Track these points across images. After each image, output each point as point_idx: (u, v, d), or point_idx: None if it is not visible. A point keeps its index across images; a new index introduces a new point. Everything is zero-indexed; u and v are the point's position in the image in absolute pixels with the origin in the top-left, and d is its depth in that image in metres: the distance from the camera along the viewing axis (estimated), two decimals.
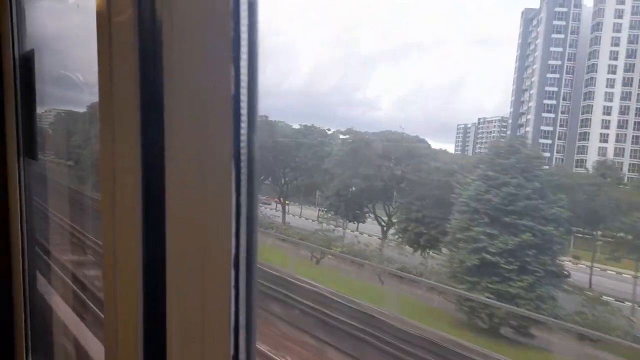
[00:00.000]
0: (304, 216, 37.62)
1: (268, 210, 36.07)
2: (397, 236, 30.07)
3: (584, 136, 36.43)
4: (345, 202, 33.01)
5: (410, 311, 17.00)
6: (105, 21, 0.89)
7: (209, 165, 0.72)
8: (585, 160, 34.30)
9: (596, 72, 36.57)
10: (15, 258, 1.91)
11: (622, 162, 32.54)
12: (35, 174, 2.07)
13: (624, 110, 35.33)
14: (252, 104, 0.71)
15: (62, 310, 2.44)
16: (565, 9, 39.17)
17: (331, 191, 33.65)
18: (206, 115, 0.72)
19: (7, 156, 1.86)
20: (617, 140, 34.83)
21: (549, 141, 38.79)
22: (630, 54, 35.05)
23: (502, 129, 51.96)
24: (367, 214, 33.61)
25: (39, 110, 1.94)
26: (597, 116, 36.21)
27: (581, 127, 37.28)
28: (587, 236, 24.83)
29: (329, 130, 37.83)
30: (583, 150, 36.06)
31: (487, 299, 18.73)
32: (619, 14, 35.80)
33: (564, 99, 39.15)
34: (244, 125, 0.70)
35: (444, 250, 26.05)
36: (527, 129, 40.28)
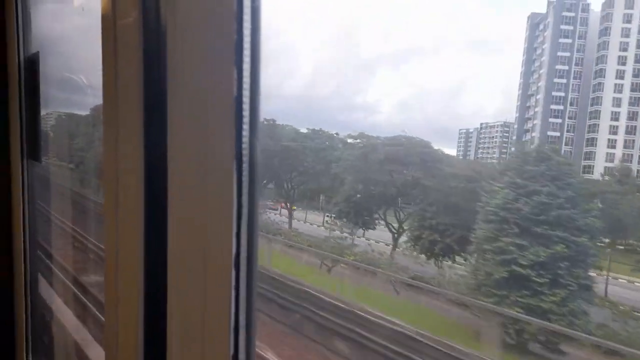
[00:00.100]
0: (309, 222, 37.18)
1: (275, 216, 35.38)
2: (410, 244, 29.17)
3: (592, 142, 36.29)
4: (354, 208, 32.27)
5: (431, 324, 16.57)
6: (110, 24, 0.91)
7: (211, 167, 0.74)
8: (593, 166, 34.17)
9: (604, 77, 36.47)
10: (17, 260, 1.92)
11: (630, 168, 32.38)
12: (37, 176, 2.09)
13: (632, 116, 35.17)
14: (254, 106, 0.72)
15: (63, 312, 2.46)
16: (572, 14, 39.14)
17: (340, 197, 32.91)
18: (208, 116, 0.74)
19: (11, 158, 1.89)
20: (625, 146, 34.66)
21: (555, 147, 38.68)
22: (639, 59, 34.93)
23: (505, 134, 51.93)
24: (376, 221, 32.77)
25: (42, 112, 1.97)
26: (604, 122, 36.08)
27: (588, 132, 37.16)
28: (618, 247, 24.00)
29: (336, 134, 37.42)
30: (590, 156, 35.91)
31: (519, 314, 17.85)
32: (628, 19, 35.72)
33: (571, 104, 39.04)
34: (245, 127, 0.71)
35: (467, 260, 25.02)
36: (534, 134, 40.18)
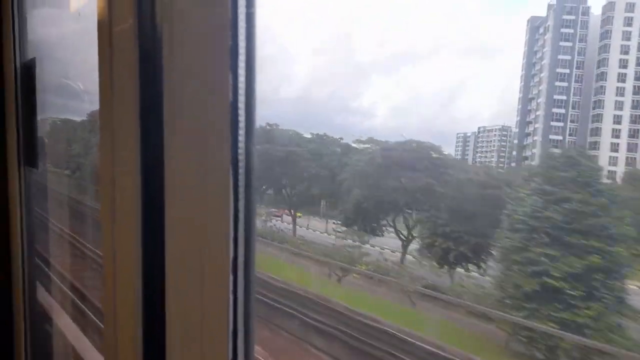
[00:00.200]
0: (311, 229, 36.76)
1: (280, 223, 35.11)
2: (421, 252, 28.39)
3: (594, 145, 36.33)
4: (362, 215, 31.66)
5: (455, 338, 15.98)
6: (106, 30, 0.92)
7: (208, 172, 0.75)
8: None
9: (606, 80, 36.57)
10: (15, 266, 1.93)
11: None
12: (34, 182, 2.10)
13: (634, 119, 35.25)
14: (250, 111, 0.73)
15: (62, 318, 2.47)
16: (573, 17, 39.29)
17: (347, 203, 32.29)
18: (204, 122, 0.75)
19: (8, 164, 1.90)
20: (628, 150, 34.71)
21: (558, 150, 38.71)
22: None
23: (503, 137, 52.04)
24: (384, 228, 32.17)
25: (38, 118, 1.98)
26: (607, 125, 36.14)
27: (591, 136, 37.22)
28: None
29: (341, 139, 37.00)
30: (594, 159, 35.96)
31: (551, 328, 16.83)
32: (628, 22, 35.85)
33: (573, 108, 39.14)
34: (241, 132, 0.72)
35: (482, 269, 24.40)
36: (535, 137, 40.24)
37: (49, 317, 2.38)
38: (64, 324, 2.43)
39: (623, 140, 35.10)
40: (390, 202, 31.33)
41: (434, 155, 31.80)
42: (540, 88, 40.94)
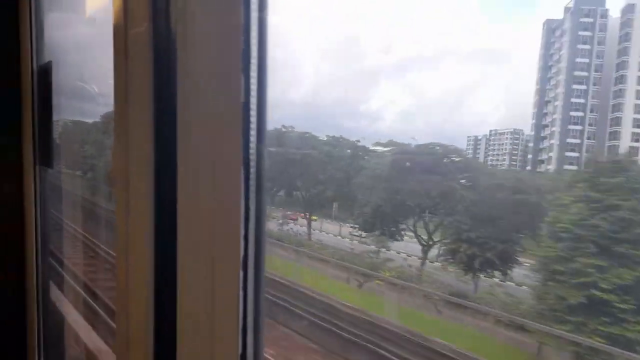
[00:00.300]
0: (324, 231, 36.60)
1: (296, 226, 34.29)
2: (444, 258, 27.51)
3: (613, 149, 35.89)
4: (381, 219, 30.88)
5: (491, 351, 15.64)
6: (121, 33, 0.95)
7: (219, 171, 0.77)
8: None
9: (625, 83, 36.15)
10: (29, 266, 1.98)
11: None
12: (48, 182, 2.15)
13: None
14: (261, 113, 0.75)
15: (75, 319, 2.51)
16: (591, 20, 38.94)
17: (367, 207, 31.47)
18: (217, 122, 0.77)
19: (24, 164, 1.95)
20: None
21: (576, 154, 38.33)
22: None
23: (515, 141, 51.61)
24: (403, 232, 31.09)
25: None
26: (626, 128, 35.68)
27: (610, 140, 36.78)
28: None
29: (358, 141, 36.71)
30: None
31: (599, 344, 15.95)
32: None
33: (591, 111, 38.74)
34: (253, 132, 0.74)
35: (507, 275, 23.56)
36: (552, 141, 39.86)
37: (62, 316, 2.42)
38: (77, 322, 2.47)
39: None
40: (412, 206, 30.71)
41: (457, 158, 31.20)
42: (557, 91, 40.58)
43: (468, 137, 54.85)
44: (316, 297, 17.17)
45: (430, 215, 30.26)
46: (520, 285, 22.79)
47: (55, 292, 2.34)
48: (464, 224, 26.35)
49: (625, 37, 36.39)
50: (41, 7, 1.89)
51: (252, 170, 0.75)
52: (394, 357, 13.54)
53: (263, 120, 0.76)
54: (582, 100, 38.91)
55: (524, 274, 23.20)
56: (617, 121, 36.37)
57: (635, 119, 35.45)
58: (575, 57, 39.31)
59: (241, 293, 0.76)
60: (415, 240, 30.42)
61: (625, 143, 35.18)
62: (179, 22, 0.82)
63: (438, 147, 32.01)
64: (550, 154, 38.44)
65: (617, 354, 15.44)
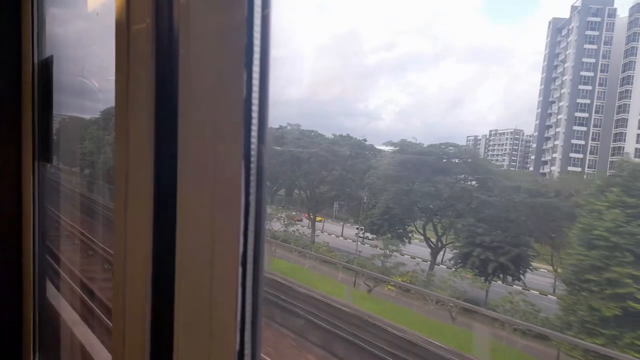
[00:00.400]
0: (326, 232, 36.40)
1: (301, 227, 34.45)
2: (455, 262, 27.15)
3: (617, 151, 35.88)
4: (388, 221, 30.71)
5: None
6: (124, 29, 0.96)
7: (220, 166, 0.78)
8: None
9: (631, 84, 36.11)
10: (26, 260, 1.99)
11: None
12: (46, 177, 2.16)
13: None
14: (263, 108, 0.76)
15: (70, 316, 2.52)
16: (598, 19, 38.89)
17: (376, 208, 31.36)
18: (218, 117, 0.78)
19: (23, 159, 1.96)
20: None
21: (580, 155, 38.31)
22: None
23: (515, 141, 51.62)
24: (411, 234, 31.12)
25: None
26: (632, 129, 35.69)
27: (614, 141, 36.76)
28: None
29: (365, 140, 36.39)
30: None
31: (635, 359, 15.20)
32: None
33: (596, 112, 38.71)
34: (254, 128, 0.75)
35: (520, 281, 22.94)
36: (556, 142, 39.82)
37: (58, 312, 2.43)
38: (73, 319, 2.48)
39: None
40: (422, 208, 30.58)
41: (470, 159, 31.13)
42: (562, 91, 40.54)
43: (468, 137, 55.09)
44: (325, 301, 16.79)
45: (440, 218, 29.94)
46: (545, 294, 22.13)
47: (51, 288, 2.36)
48: (479, 227, 25.83)
49: (632, 37, 36.33)
50: (43, 1, 1.90)
51: (253, 165, 0.76)
52: None
53: (265, 115, 0.76)
54: (587, 101, 38.88)
55: (549, 282, 22.70)
56: (622, 122, 36.34)
57: None
58: (582, 56, 39.26)
59: (240, 289, 0.76)
60: (423, 243, 30.44)
61: (630, 144, 35.17)
62: (181, 19, 0.83)
63: (452, 148, 31.83)
64: (554, 154, 38.41)
65: None
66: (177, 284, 0.85)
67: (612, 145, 36.54)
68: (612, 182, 20.77)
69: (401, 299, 21.41)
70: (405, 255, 29.59)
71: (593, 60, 38.95)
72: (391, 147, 33.65)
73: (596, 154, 37.74)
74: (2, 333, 2.06)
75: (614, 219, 18.29)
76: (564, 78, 40.32)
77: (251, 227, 0.77)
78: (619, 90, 36.82)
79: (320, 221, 36.54)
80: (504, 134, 53.30)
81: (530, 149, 46.54)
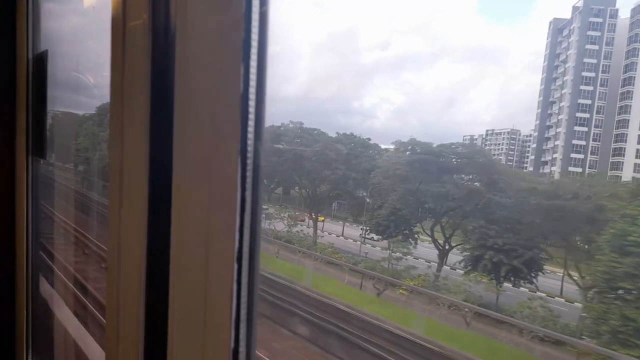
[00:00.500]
0: (327, 231, 36.21)
1: (305, 228, 34.21)
2: (465, 264, 26.81)
3: (619, 151, 35.97)
4: (395, 222, 30.43)
5: None
6: (120, 25, 0.96)
7: (216, 161, 0.78)
8: (621, 177, 33.81)
9: (633, 85, 36.19)
10: (20, 256, 1.99)
11: None
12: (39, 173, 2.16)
13: None
14: (260, 104, 0.76)
15: (64, 313, 2.52)
16: (600, 20, 38.93)
17: (383, 209, 31.03)
18: (215, 112, 0.78)
19: (17, 154, 1.96)
20: None
21: (581, 156, 38.38)
22: None
23: (512, 141, 51.69)
24: (416, 235, 30.74)
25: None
26: (633, 130, 35.77)
27: (615, 142, 36.83)
28: None
29: (369, 139, 36.07)
30: (617, 166, 35.59)
31: None
32: None
33: (597, 113, 38.76)
34: (251, 123, 0.75)
35: (533, 284, 22.51)
36: (556, 142, 39.87)
37: (51, 309, 2.44)
38: (66, 316, 2.48)
39: None
40: (430, 209, 30.19)
41: (481, 159, 30.76)
42: (563, 92, 40.59)
43: (464, 136, 55.18)
44: (335, 305, 16.66)
45: (449, 220, 29.52)
46: (572, 302, 21.44)
47: (45, 285, 2.36)
48: (491, 229, 25.38)
49: (634, 38, 36.39)
50: None
51: (249, 161, 0.76)
52: None
53: (261, 110, 0.77)
54: (588, 102, 38.94)
55: (573, 289, 21.96)
56: (624, 123, 36.41)
57: None
58: (583, 57, 39.30)
59: (235, 286, 0.77)
60: (431, 244, 30.09)
61: (631, 145, 35.25)
62: (178, 15, 0.83)
63: (461, 148, 31.65)
64: (555, 155, 38.48)
65: None
66: (172, 281, 0.85)
67: (613, 146, 36.62)
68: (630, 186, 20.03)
69: (412, 302, 21.02)
70: (414, 258, 29.30)
71: (594, 61, 39.00)
72: (399, 147, 33.37)
73: (597, 155, 37.80)
74: None
75: None
76: (565, 78, 40.38)
77: (247, 224, 0.77)
78: (620, 91, 36.90)
79: (322, 221, 36.34)
80: (500, 133, 53.40)
81: (528, 149, 46.63)
